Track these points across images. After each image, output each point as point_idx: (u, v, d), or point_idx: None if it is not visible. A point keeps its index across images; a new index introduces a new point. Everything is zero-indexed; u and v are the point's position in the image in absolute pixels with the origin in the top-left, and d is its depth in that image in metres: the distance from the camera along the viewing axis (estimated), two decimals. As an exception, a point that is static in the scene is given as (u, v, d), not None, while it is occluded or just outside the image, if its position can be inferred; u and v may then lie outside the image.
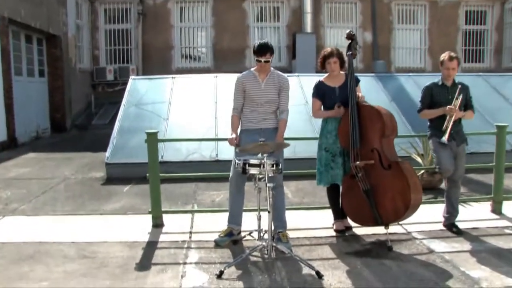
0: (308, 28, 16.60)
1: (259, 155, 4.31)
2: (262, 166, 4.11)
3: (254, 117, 4.70)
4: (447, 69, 5.00)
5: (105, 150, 8.32)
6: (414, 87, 9.88)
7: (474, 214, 5.67)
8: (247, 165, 4.17)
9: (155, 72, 13.77)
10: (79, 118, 15.09)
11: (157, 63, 16.04)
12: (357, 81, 4.86)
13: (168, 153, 7.94)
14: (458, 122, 5.02)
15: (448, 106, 4.87)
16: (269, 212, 4.04)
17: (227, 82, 9.95)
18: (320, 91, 4.90)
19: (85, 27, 15.94)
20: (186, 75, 11.28)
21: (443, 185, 5.60)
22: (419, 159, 7.14)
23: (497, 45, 18.04)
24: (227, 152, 7.91)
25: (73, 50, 14.57)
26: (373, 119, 4.62)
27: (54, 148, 11.27)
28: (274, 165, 4.17)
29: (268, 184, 4.03)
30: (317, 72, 13.97)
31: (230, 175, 4.75)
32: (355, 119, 4.61)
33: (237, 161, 4.29)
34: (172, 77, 10.46)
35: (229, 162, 7.51)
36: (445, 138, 4.82)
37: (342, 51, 4.95)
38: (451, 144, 4.94)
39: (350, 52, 4.85)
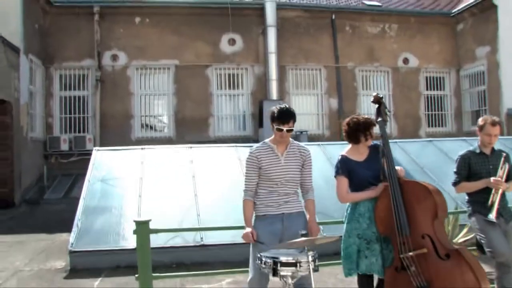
0: (274, 95, 16.18)
1: (290, 249, 3.47)
2: (298, 265, 3.24)
3: (274, 200, 3.86)
4: (488, 135, 4.44)
5: (62, 230, 7.26)
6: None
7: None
8: (278, 265, 3.28)
9: (113, 142, 12.81)
10: (30, 192, 13.70)
11: (116, 132, 15.06)
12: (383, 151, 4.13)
13: (144, 236, 6.91)
14: (503, 195, 4.37)
15: (493, 178, 4.26)
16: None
17: (204, 154, 9.20)
18: (347, 168, 4.09)
19: (39, 93, 14.85)
20: (157, 146, 10.37)
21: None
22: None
23: (456, 110, 18.23)
24: (213, 235, 7.05)
25: (25, 118, 13.42)
26: (420, 197, 3.83)
27: (1, 229, 9.85)
28: (314, 262, 3.32)
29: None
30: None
31: (250, 276, 3.83)
32: (399, 199, 3.82)
33: (264, 259, 3.35)
34: (142, 148, 9.55)
35: (216, 247, 6.73)
36: (492, 216, 4.16)
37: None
38: (499, 222, 4.26)
39: (381, 119, 4.20)
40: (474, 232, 4.54)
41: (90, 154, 13.42)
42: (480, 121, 4.55)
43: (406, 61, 17.74)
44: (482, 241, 4.35)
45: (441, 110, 18.38)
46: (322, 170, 7.81)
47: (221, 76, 16.46)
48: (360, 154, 4.12)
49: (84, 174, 8.74)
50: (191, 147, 9.45)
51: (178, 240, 6.84)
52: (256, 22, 16.45)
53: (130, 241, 6.70)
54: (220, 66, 16.30)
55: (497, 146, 4.60)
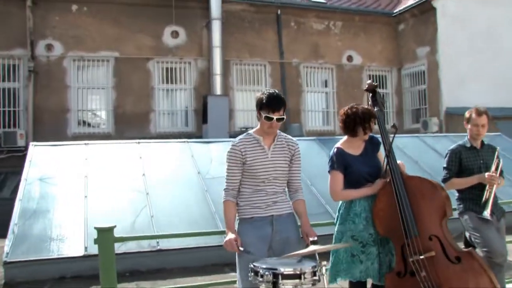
0: (218, 90, 15.67)
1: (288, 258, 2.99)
2: (303, 276, 2.78)
3: (261, 200, 3.32)
4: (475, 125, 4.22)
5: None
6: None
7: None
8: (280, 277, 2.77)
9: (47, 138, 11.75)
10: (-48, 194, 12.48)
11: (50, 128, 13.99)
12: (379, 144, 3.80)
13: (92, 241, 6.22)
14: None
15: (488, 173, 4.03)
16: None
17: (154, 150, 8.58)
18: (343, 162, 3.64)
19: (-37, 86, 13.58)
20: (103, 141, 9.59)
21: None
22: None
23: (398, 108, 18.49)
24: (169, 239, 6.47)
25: None
26: (427, 195, 3.46)
27: None
28: (315, 272, 2.86)
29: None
30: (230, 137, 13.05)
31: None
32: (404, 197, 3.42)
33: (261, 271, 2.80)
34: (85, 144, 8.75)
35: (174, 251, 6.19)
36: (487, 213, 3.92)
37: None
38: (493, 220, 4.04)
39: (378, 108, 3.84)
40: (467, 231, 4.28)
41: (21, 151, 12.49)
42: (467, 113, 4.35)
43: (350, 58, 17.77)
44: (477, 241, 4.09)
45: (384, 108, 18.56)
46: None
47: (163, 69, 15.73)
48: (356, 147, 3.72)
49: (15, 173, 7.94)
50: (139, 143, 8.76)
51: (131, 246, 6.22)
52: (200, 15, 15.86)
53: (76, 248, 6.05)
54: (163, 59, 15.58)
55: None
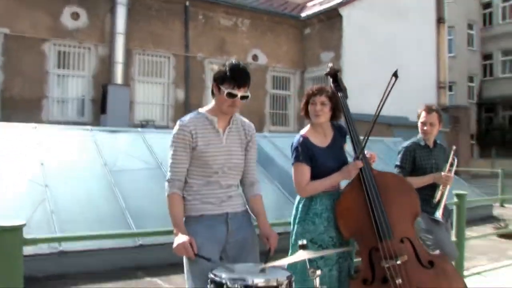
0: (119, 80, 14.82)
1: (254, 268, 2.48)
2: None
3: (214, 194, 2.76)
4: (422, 123, 4.09)
5: None
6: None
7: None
8: None
9: None
10: None
11: None
12: (346, 135, 3.34)
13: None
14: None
15: (444, 173, 3.92)
16: None
17: (53, 136, 7.72)
18: (308, 152, 3.15)
19: None
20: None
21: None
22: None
23: (299, 111, 18.62)
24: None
25: None
26: (400, 193, 3.12)
27: None
28: (291, 283, 2.38)
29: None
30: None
31: None
32: (376, 194, 3.05)
33: (228, 282, 2.26)
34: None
35: (78, 254, 5.45)
36: (439, 214, 3.84)
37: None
38: (443, 221, 3.95)
39: (342, 94, 3.33)
40: (418, 233, 4.14)
41: None
42: (418, 110, 4.19)
43: (255, 57, 17.72)
44: (428, 243, 3.95)
45: (285, 110, 18.76)
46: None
47: (60, 53, 14.52)
48: (322, 137, 3.24)
49: None
50: (36, 127, 7.79)
51: (27, 248, 5.34)
52: (104, -2, 14.88)
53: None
54: (60, 42, 14.37)
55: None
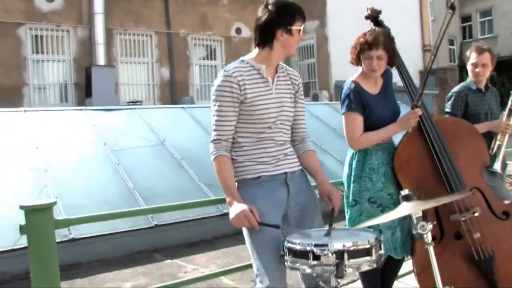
0: (101, 61, 14.27)
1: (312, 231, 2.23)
2: (373, 250, 2.00)
3: (269, 153, 2.42)
4: (474, 65, 3.66)
5: None
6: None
7: None
8: (345, 256, 1.92)
9: None
10: None
11: None
12: (391, 77, 3.04)
13: None
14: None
15: (504, 122, 3.55)
16: None
17: (44, 120, 7.29)
18: (361, 100, 2.86)
19: None
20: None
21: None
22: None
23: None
24: (80, 227, 5.19)
25: None
26: (465, 139, 2.85)
27: None
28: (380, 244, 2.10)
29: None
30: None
31: (264, 285, 2.25)
32: (441, 142, 2.76)
33: (318, 251, 1.93)
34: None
35: (88, 240, 5.09)
36: (498, 166, 3.49)
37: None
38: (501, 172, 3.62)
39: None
40: None
41: None
42: (468, 51, 3.80)
43: (238, 31, 17.26)
44: None
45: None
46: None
47: (37, 37, 13.88)
48: (374, 84, 2.94)
49: None
50: (25, 111, 7.35)
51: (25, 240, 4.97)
52: (79, -24, 14.23)
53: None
54: (36, 25, 13.71)
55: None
